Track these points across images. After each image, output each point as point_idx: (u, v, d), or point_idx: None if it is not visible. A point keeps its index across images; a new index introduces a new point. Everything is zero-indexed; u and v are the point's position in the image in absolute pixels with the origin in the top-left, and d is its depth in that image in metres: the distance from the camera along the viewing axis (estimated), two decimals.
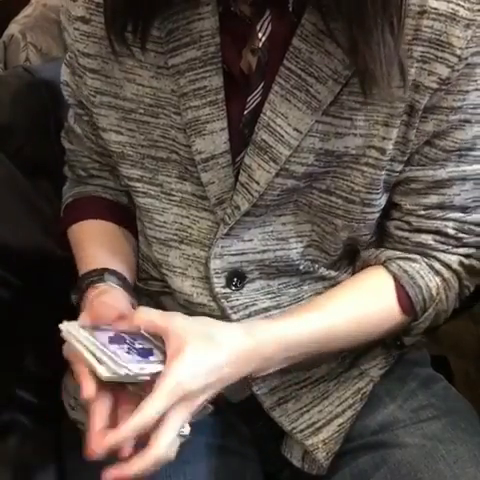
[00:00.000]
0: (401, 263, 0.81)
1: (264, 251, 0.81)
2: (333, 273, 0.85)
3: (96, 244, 0.89)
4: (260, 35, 0.74)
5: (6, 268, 0.87)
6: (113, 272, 0.83)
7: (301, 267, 0.83)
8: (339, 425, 0.85)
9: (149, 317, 0.72)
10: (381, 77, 0.69)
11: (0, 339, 0.89)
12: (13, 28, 1.51)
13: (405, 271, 0.81)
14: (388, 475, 0.79)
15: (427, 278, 0.81)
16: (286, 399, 0.86)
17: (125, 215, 0.91)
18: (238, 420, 0.91)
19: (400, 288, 0.81)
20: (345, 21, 0.68)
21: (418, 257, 0.82)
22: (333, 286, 0.85)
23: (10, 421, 0.90)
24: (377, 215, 0.82)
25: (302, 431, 0.85)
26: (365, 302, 0.81)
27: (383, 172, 0.78)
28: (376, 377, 0.88)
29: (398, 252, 0.83)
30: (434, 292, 0.81)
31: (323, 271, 0.85)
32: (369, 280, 0.83)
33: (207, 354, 0.70)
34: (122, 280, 0.83)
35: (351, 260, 0.87)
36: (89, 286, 0.81)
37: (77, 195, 0.93)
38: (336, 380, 0.87)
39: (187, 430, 0.70)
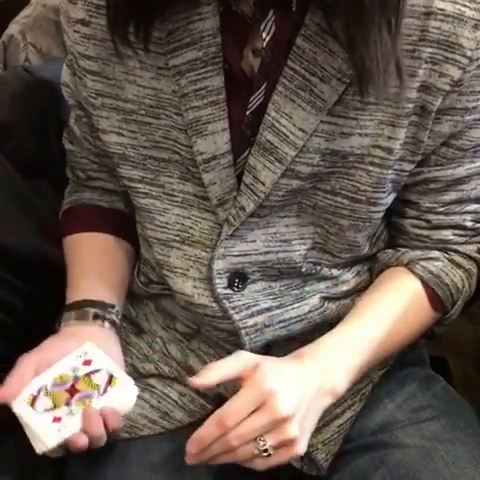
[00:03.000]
0: (424, 264, 0.83)
1: (267, 253, 0.81)
2: (336, 272, 0.85)
3: (79, 264, 0.89)
4: (264, 35, 0.74)
5: (4, 268, 0.87)
6: (72, 307, 0.84)
7: (303, 269, 0.83)
8: (338, 426, 0.85)
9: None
10: (377, 75, 0.68)
11: None
12: (13, 28, 1.51)
13: (430, 272, 0.82)
14: (387, 475, 0.79)
15: (451, 274, 0.83)
16: None
17: (120, 222, 0.92)
18: None
19: (429, 290, 0.83)
20: (343, 19, 0.68)
21: (439, 254, 0.84)
22: (336, 285, 0.85)
23: (10, 423, 0.90)
24: (382, 214, 0.82)
25: None
26: (402, 306, 0.83)
27: (390, 171, 0.78)
28: (375, 378, 0.88)
29: (419, 252, 0.84)
30: (460, 285, 0.83)
31: (326, 271, 0.84)
32: (397, 286, 0.84)
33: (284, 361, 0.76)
34: (83, 308, 0.83)
35: (355, 258, 0.87)
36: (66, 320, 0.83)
37: (73, 203, 0.94)
38: None
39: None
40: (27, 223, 0.93)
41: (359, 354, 0.78)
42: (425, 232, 0.84)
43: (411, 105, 0.74)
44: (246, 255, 0.81)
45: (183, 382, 0.88)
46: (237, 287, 0.82)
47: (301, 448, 0.72)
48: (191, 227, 0.82)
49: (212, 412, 0.87)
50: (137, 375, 0.88)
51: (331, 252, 0.83)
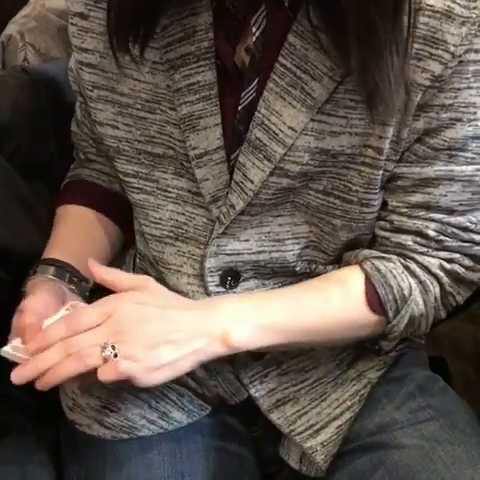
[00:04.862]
0: (375, 262, 0.80)
1: (260, 252, 0.81)
2: (331, 269, 0.84)
3: (63, 232, 0.88)
4: (254, 30, 0.74)
5: (2, 269, 0.87)
6: (55, 263, 0.82)
7: (297, 268, 0.83)
8: (337, 427, 0.85)
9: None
10: (389, 97, 0.69)
11: None
12: (11, 28, 1.51)
13: (378, 269, 0.79)
14: (386, 476, 0.79)
15: (400, 278, 0.79)
16: (284, 401, 0.86)
17: (113, 204, 0.91)
18: (236, 422, 0.91)
19: (369, 286, 0.79)
20: (354, 40, 0.68)
21: (394, 257, 0.80)
22: None
23: (7, 422, 0.90)
24: (376, 214, 0.81)
25: (300, 433, 0.85)
26: (330, 290, 0.80)
27: (380, 171, 0.77)
28: (374, 379, 0.88)
29: (375, 251, 0.81)
30: (406, 293, 0.79)
31: (321, 269, 0.84)
32: (339, 273, 0.82)
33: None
34: (66, 271, 0.81)
35: None
36: (29, 276, 0.81)
37: (73, 177, 0.94)
38: (334, 382, 0.87)
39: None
40: (26, 224, 0.93)
41: (268, 316, 0.75)
42: (387, 234, 0.81)
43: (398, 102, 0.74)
44: (239, 254, 0.81)
45: (182, 383, 0.88)
46: (229, 285, 0.82)
47: (148, 366, 0.69)
48: (185, 223, 0.82)
49: (211, 412, 0.88)
50: None
51: (326, 251, 0.83)
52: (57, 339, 0.69)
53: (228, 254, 0.81)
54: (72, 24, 0.81)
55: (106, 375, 0.68)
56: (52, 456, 0.89)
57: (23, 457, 0.86)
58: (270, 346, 0.76)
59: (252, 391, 0.85)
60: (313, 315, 0.78)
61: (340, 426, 0.85)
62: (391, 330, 0.80)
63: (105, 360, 0.68)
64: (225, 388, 0.87)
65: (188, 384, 0.88)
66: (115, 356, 0.68)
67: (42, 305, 0.75)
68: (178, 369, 0.71)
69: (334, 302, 0.79)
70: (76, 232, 0.89)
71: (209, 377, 0.87)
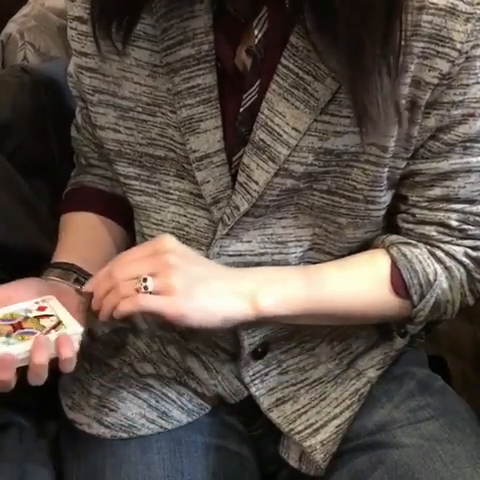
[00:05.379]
0: (402, 247, 0.81)
1: (262, 254, 0.81)
2: None
3: (69, 238, 0.89)
4: (256, 32, 0.74)
5: (2, 268, 0.87)
6: (61, 266, 0.82)
7: None
8: (337, 426, 0.85)
9: None
10: (378, 118, 0.70)
11: None
12: (11, 27, 1.51)
13: (404, 254, 0.80)
14: (385, 475, 0.79)
15: (425, 263, 0.80)
16: (284, 400, 0.86)
17: (117, 207, 0.91)
18: (236, 421, 0.91)
19: (395, 270, 0.80)
20: (344, 60, 0.68)
21: (421, 244, 0.82)
22: None
23: (7, 421, 0.90)
24: (383, 212, 0.82)
25: (300, 432, 0.85)
26: (356, 270, 0.81)
27: (385, 169, 0.77)
28: (374, 378, 0.88)
29: (402, 237, 0.82)
30: (432, 277, 0.80)
31: None
32: (365, 255, 0.83)
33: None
34: (72, 272, 0.82)
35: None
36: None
37: (75, 185, 0.94)
38: (334, 381, 0.87)
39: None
40: (27, 222, 0.93)
41: (294, 286, 0.77)
42: (411, 226, 0.82)
43: (403, 101, 0.74)
44: (241, 255, 0.81)
45: (182, 382, 0.88)
46: None
47: (179, 302, 0.71)
48: (187, 225, 0.82)
49: (211, 411, 0.88)
50: (136, 375, 0.88)
51: (331, 252, 0.83)
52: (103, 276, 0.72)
53: (230, 255, 0.81)
54: (71, 28, 0.81)
55: (124, 306, 0.69)
56: (52, 455, 0.89)
57: (23, 456, 0.86)
58: (294, 316, 0.78)
59: (252, 390, 0.85)
60: (338, 291, 0.80)
61: (339, 425, 0.85)
62: (416, 314, 0.81)
63: (136, 291, 0.69)
64: (225, 387, 0.87)
65: (188, 383, 0.88)
66: (145, 289, 0.69)
67: (5, 294, 0.75)
68: (209, 318, 0.72)
69: (359, 281, 0.80)
70: (82, 236, 0.89)
71: (209, 376, 0.87)
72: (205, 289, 0.73)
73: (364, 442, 0.84)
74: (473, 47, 0.72)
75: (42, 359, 0.69)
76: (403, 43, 0.69)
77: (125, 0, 0.74)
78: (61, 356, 0.69)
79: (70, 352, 0.70)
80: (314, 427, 0.85)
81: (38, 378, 0.69)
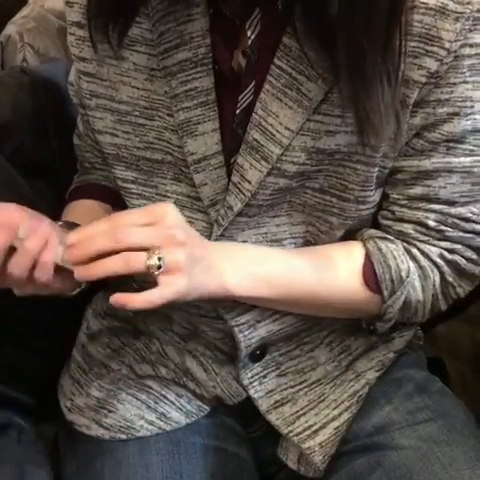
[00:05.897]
0: (378, 241, 0.81)
1: None
2: None
3: (67, 217, 0.88)
4: (249, 33, 0.74)
5: None
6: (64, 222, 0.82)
7: None
8: (336, 428, 0.85)
9: None
10: (379, 126, 0.70)
11: None
12: (10, 29, 1.51)
13: (379, 249, 0.80)
14: (384, 477, 0.79)
15: (399, 259, 0.80)
16: (282, 402, 0.86)
17: (121, 199, 0.91)
18: (235, 423, 0.91)
19: (368, 263, 0.80)
20: (345, 69, 0.68)
21: (397, 241, 0.81)
22: None
23: (6, 422, 0.90)
24: (372, 211, 0.82)
25: (299, 434, 0.85)
26: (330, 258, 0.81)
27: (376, 169, 0.78)
28: (372, 380, 0.88)
29: (380, 231, 0.82)
30: (404, 274, 0.79)
31: None
32: (341, 246, 0.82)
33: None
34: (76, 225, 0.80)
35: None
36: None
37: (79, 183, 0.95)
38: (332, 383, 0.88)
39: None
40: None
41: (264, 267, 0.78)
42: (389, 223, 0.82)
43: None
44: None
45: (180, 383, 0.88)
46: None
47: (183, 284, 0.70)
48: None
49: (210, 413, 0.88)
50: (134, 376, 0.88)
51: None
52: (100, 239, 0.68)
53: None
54: (70, 34, 0.81)
55: (139, 303, 0.68)
56: (50, 456, 0.89)
57: (22, 457, 0.86)
58: (261, 299, 0.78)
59: (251, 392, 0.85)
60: (309, 276, 0.79)
61: (338, 427, 0.85)
62: (386, 311, 0.81)
63: (148, 268, 0.68)
64: (224, 389, 0.87)
65: (186, 385, 0.88)
66: (158, 268, 0.68)
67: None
68: (195, 294, 0.73)
69: (332, 270, 0.80)
70: (85, 214, 0.88)
71: (208, 378, 0.87)
72: (203, 268, 0.73)
73: (363, 444, 0.84)
74: (462, 46, 0.72)
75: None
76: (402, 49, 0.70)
77: (120, 2, 0.74)
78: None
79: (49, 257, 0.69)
80: (313, 429, 0.85)
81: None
